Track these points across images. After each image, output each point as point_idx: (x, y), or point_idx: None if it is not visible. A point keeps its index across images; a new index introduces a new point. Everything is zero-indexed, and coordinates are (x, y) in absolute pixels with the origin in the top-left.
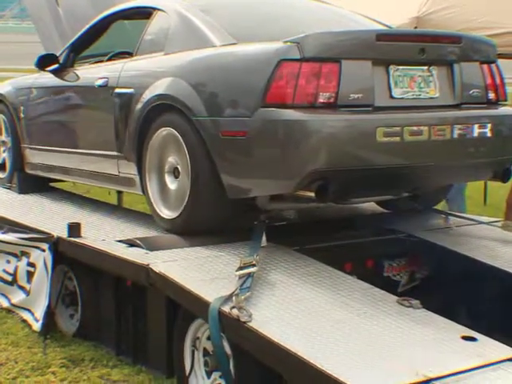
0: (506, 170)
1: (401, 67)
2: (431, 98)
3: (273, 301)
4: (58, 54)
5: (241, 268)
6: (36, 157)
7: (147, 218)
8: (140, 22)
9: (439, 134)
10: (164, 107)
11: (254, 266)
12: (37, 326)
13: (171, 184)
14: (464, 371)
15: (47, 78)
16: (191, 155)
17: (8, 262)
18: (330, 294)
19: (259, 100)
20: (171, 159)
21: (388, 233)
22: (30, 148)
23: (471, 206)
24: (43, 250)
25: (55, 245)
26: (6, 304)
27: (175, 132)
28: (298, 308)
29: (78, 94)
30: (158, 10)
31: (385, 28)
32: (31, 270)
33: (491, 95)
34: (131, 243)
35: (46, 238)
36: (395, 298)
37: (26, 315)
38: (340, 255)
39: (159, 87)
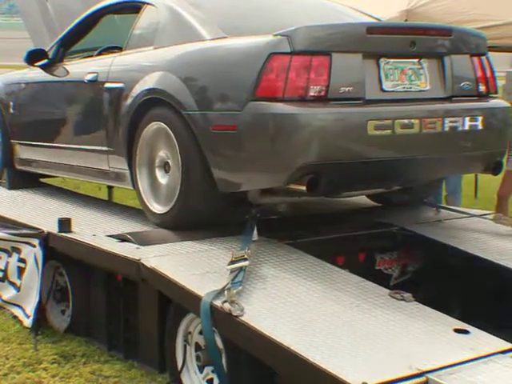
0: (497, 162)
1: (391, 60)
2: (422, 90)
3: (264, 295)
4: (47, 49)
5: (232, 262)
6: (26, 152)
7: (138, 212)
8: (129, 16)
9: (430, 126)
10: (154, 101)
11: (245, 260)
12: (28, 322)
13: (162, 178)
14: (457, 364)
15: (37, 73)
16: (182, 149)
17: None
18: (322, 287)
19: (249, 94)
20: (162, 153)
21: (380, 226)
22: (20, 144)
23: (462, 199)
24: (34, 246)
25: (46, 240)
26: None
27: (165, 126)
28: (289, 302)
29: (67, 89)
30: (148, 4)
31: (375, 21)
32: (22, 265)
33: (482, 88)
34: (122, 238)
35: (37, 233)
36: (387, 291)
37: (16, 311)
38: (332, 249)
39: (149, 81)
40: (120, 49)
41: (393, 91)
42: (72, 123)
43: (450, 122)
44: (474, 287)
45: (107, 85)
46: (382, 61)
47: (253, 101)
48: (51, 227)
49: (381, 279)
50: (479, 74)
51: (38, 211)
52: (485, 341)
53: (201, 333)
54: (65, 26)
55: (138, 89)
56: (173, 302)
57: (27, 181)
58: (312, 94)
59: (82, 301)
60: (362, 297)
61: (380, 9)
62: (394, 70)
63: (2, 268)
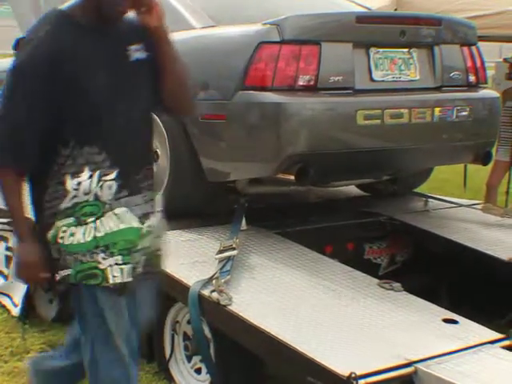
0: (487, 152)
1: (381, 50)
2: (411, 80)
3: (253, 284)
4: None
5: (221, 251)
6: None
7: None
8: None
9: (419, 116)
10: None
11: (234, 249)
12: (15, 312)
13: None
14: (445, 354)
15: None
16: (170, 138)
17: None
18: (311, 277)
19: (238, 83)
20: None
21: (368, 216)
22: None
23: (451, 189)
24: None
25: (33, 229)
26: None
27: (153, 115)
28: (278, 291)
29: None
30: None
31: (365, 10)
32: (10, 254)
33: (471, 78)
34: None
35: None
36: (376, 280)
37: (4, 300)
38: (320, 238)
39: None
40: None
41: (382, 81)
42: None
43: (440, 112)
44: (462, 277)
45: None
46: (372, 50)
47: (242, 90)
48: None
49: (369, 269)
50: (469, 63)
51: (26, 200)
52: (473, 331)
53: (189, 322)
54: None
55: None
56: (160, 291)
57: None
58: (301, 83)
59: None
60: (350, 286)
61: None
62: (384, 60)
63: None
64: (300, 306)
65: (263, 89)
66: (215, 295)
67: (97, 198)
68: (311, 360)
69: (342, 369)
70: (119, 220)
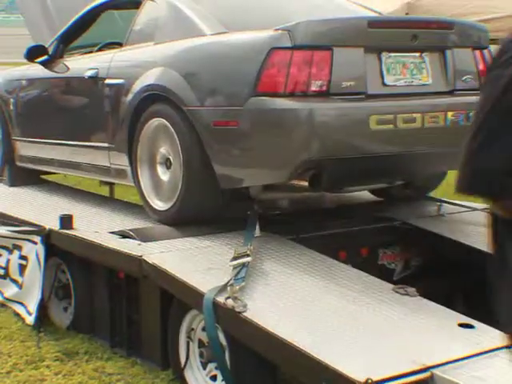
0: None
1: (393, 54)
2: (424, 84)
3: (267, 290)
4: (47, 46)
5: (235, 258)
6: (27, 149)
7: (139, 209)
8: (129, 11)
9: (432, 121)
10: (155, 97)
11: (248, 256)
12: (30, 320)
13: (163, 175)
14: (462, 359)
15: (37, 70)
16: (183, 146)
17: (0, 255)
18: (325, 282)
19: (251, 89)
20: (163, 150)
21: (382, 221)
22: (21, 140)
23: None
24: (35, 243)
25: (47, 237)
26: None
27: (166, 122)
28: (292, 297)
29: (67, 86)
30: None
31: (376, 15)
32: (23, 263)
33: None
34: (124, 235)
35: (38, 230)
36: (391, 285)
37: (19, 309)
38: (334, 244)
39: (150, 77)
40: (120, 44)
41: (395, 85)
42: (72, 120)
43: (453, 116)
44: (478, 281)
45: (108, 81)
46: (384, 55)
47: (254, 96)
48: (53, 224)
49: (384, 274)
50: (481, 67)
51: (40, 208)
52: (490, 335)
53: (204, 329)
54: (65, 22)
55: (138, 85)
56: (175, 298)
57: (28, 178)
58: (313, 88)
59: (84, 298)
60: (365, 292)
61: (381, 2)
62: (396, 64)
63: (3, 265)
64: (314, 311)
65: (275, 95)
66: (230, 302)
67: None
68: (327, 366)
69: (358, 374)
70: None
